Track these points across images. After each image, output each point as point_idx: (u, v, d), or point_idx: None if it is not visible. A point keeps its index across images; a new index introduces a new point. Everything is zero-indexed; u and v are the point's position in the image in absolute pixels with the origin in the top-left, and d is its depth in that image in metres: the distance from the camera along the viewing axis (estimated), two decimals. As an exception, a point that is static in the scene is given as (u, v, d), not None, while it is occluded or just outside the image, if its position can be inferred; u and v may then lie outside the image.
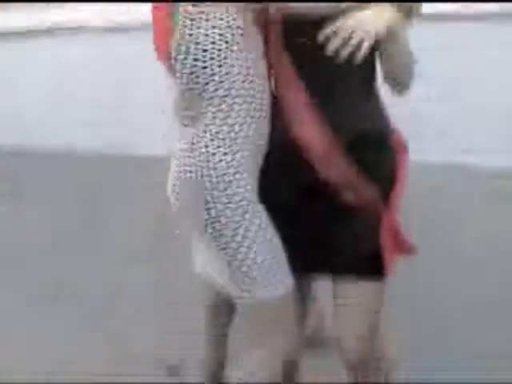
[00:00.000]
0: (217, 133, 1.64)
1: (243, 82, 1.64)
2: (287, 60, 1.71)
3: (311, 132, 1.69)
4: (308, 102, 1.70)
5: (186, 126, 1.70)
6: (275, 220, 1.69)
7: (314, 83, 1.70)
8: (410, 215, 2.08)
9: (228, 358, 2.16)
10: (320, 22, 1.63)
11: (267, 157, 1.73)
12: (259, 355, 1.75)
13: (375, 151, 1.75)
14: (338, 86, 1.71)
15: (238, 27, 1.62)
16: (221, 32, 1.60)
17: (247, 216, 1.63)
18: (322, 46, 1.63)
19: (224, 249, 1.65)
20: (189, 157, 1.65)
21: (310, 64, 1.70)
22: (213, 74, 1.63)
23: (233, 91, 1.63)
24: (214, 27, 1.60)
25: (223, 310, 2.06)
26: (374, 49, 1.66)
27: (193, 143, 1.66)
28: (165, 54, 1.68)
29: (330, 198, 1.72)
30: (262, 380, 1.75)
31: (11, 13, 24.76)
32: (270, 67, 1.74)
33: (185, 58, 1.63)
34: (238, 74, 1.63)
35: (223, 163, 1.63)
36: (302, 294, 1.86)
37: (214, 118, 1.64)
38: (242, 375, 1.79)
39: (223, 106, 1.64)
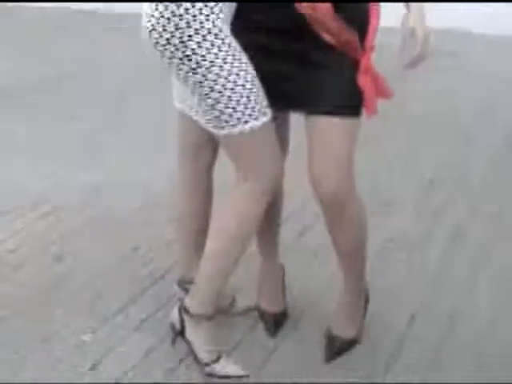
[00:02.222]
0: None
1: None
2: None
3: None
4: None
5: None
6: (253, 56, 1.71)
7: None
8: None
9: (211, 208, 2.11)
10: None
11: None
12: (247, 187, 1.79)
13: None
14: None
15: None
16: None
17: (223, 49, 1.65)
18: None
19: (201, 83, 1.67)
20: None
21: None
22: None
23: None
24: None
25: (205, 148, 2.01)
26: None
27: None
28: None
29: (308, 37, 1.73)
30: (251, 213, 1.81)
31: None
32: None
33: None
34: None
35: (201, 2, 1.62)
36: (279, 129, 1.87)
37: None
38: (230, 216, 1.83)
39: None
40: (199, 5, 1.62)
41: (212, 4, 1.63)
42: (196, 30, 1.63)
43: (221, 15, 1.65)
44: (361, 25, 1.76)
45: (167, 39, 1.65)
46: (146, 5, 1.69)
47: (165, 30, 1.65)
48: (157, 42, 1.67)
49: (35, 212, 2.92)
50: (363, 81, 1.76)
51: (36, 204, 2.98)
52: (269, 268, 2.21)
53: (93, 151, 3.56)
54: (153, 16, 1.66)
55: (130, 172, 3.28)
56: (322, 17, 1.70)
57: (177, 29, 1.63)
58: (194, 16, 1.62)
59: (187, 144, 2.03)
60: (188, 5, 1.62)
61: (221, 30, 1.65)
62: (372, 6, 1.79)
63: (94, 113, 4.12)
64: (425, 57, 1.73)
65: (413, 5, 1.74)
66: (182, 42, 1.64)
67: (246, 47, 1.71)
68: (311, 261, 2.55)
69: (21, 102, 4.26)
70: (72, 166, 3.37)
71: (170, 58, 1.68)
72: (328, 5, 1.69)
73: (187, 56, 1.65)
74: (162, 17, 1.64)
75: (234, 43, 1.69)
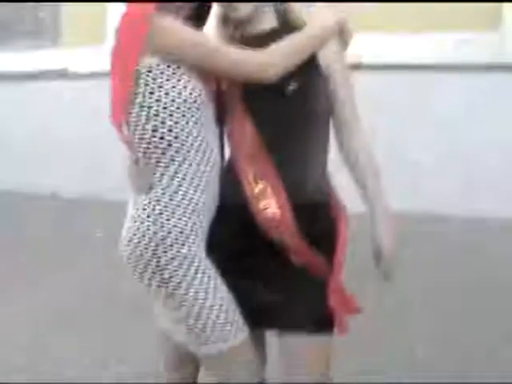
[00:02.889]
0: (171, 200, 1.71)
1: (197, 151, 1.73)
2: (249, 127, 1.80)
3: (264, 199, 1.79)
4: (265, 168, 1.79)
5: (139, 193, 1.75)
6: (227, 275, 1.78)
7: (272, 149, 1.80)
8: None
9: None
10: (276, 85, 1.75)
11: (218, 212, 1.82)
12: None
13: (318, 218, 1.85)
14: (291, 148, 1.81)
15: (195, 101, 1.71)
16: (178, 105, 1.69)
17: (199, 275, 1.70)
18: (278, 110, 1.79)
19: (179, 306, 1.71)
20: (142, 223, 1.71)
21: (267, 129, 1.80)
22: (170, 142, 1.71)
23: (188, 160, 1.72)
24: (172, 100, 1.68)
25: (188, 363, 2.01)
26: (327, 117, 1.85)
27: (146, 211, 1.71)
28: (121, 123, 1.74)
29: (277, 257, 1.81)
30: None
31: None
32: (230, 132, 1.85)
33: (144, 127, 1.70)
34: (194, 143, 1.72)
35: (177, 229, 1.70)
36: (256, 344, 1.89)
37: (169, 185, 1.71)
38: None
39: (178, 174, 1.71)
40: (175, 233, 1.69)
41: (188, 231, 1.70)
42: (172, 256, 1.68)
43: (197, 240, 1.72)
44: (328, 241, 1.84)
45: (145, 265, 1.70)
46: (124, 230, 1.76)
47: (142, 256, 1.70)
48: (135, 268, 1.72)
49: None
50: (333, 301, 1.81)
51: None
52: None
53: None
54: (130, 241, 1.72)
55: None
56: (286, 235, 1.78)
57: (154, 255, 1.69)
58: (171, 244, 1.68)
59: (169, 360, 2.04)
60: (165, 233, 1.69)
61: (196, 255, 1.71)
62: (341, 213, 1.88)
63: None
64: (392, 270, 1.86)
65: (376, 212, 1.85)
66: (159, 267, 1.69)
67: (219, 266, 1.77)
68: None
69: None
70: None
71: (148, 283, 1.72)
72: (290, 221, 1.77)
73: (164, 281, 1.69)
74: (139, 243, 1.70)
75: (210, 265, 1.74)
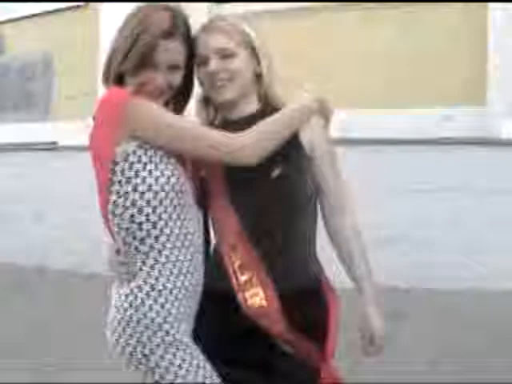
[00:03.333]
0: (152, 288, 1.68)
1: (177, 237, 1.70)
2: (231, 217, 1.79)
3: (251, 289, 1.76)
4: (249, 259, 1.77)
5: (122, 282, 1.73)
6: (216, 364, 1.73)
7: (254, 236, 1.78)
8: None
9: None
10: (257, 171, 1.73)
11: (205, 296, 1.78)
12: None
13: (308, 305, 1.81)
14: (278, 234, 1.79)
15: (173, 187, 1.68)
16: (155, 193, 1.67)
17: (186, 363, 1.68)
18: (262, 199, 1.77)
19: None
20: (125, 311, 1.68)
21: (250, 216, 1.78)
22: (148, 230, 1.68)
23: (167, 247, 1.69)
24: (149, 189, 1.66)
25: None
26: (314, 203, 1.84)
27: (128, 299, 1.69)
28: (103, 210, 1.73)
29: (268, 346, 1.77)
30: None
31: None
32: (213, 220, 1.84)
33: (122, 215, 1.68)
34: (173, 230, 1.69)
35: (160, 316, 1.67)
36: None
37: (149, 274, 1.69)
38: None
39: (159, 260, 1.69)
40: (159, 320, 1.66)
41: (171, 318, 1.67)
42: (157, 344, 1.66)
43: (182, 327, 1.69)
44: (318, 327, 1.81)
45: (130, 354, 1.68)
46: (108, 320, 1.74)
47: (128, 344, 1.68)
48: (121, 355, 1.70)
49: None
50: None
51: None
52: None
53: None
54: (115, 331, 1.70)
55: None
56: (273, 326, 1.74)
57: (139, 343, 1.67)
58: (155, 331, 1.66)
59: None
60: (148, 321, 1.66)
61: (182, 342, 1.68)
62: (331, 296, 1.86)
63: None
64: (381, 347, 1.81)
65: (365, 291, 1.83)
66: (145, 355, 1.67)
67: (205, 351, 1.73)
68: None
69: None
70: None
71: (135, 369, 1.70)
72: (277, 312, 1.74)
73: (151, 369, 1.67)
74: (124, 332, 1.68)
75: (197, 352, 1.71)
